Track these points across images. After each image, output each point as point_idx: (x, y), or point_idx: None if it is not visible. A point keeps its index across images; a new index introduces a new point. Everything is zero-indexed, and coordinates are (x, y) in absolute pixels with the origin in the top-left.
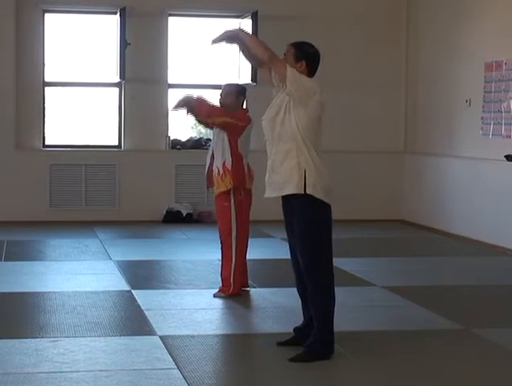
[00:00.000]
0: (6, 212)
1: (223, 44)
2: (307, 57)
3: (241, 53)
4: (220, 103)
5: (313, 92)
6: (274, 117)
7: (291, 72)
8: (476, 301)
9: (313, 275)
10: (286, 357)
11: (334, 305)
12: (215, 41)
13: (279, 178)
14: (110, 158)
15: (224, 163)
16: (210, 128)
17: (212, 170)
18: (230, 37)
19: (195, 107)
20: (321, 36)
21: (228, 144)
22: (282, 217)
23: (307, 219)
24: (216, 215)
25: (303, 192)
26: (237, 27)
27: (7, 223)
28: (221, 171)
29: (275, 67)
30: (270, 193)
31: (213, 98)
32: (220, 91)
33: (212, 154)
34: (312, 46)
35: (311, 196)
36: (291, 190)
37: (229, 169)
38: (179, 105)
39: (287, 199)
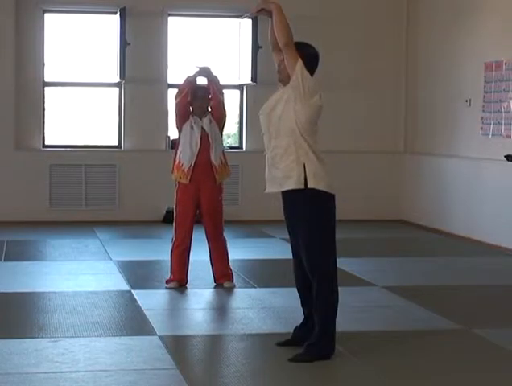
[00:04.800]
0: (6, 212)
1: (260, 15)
2: (305, 58)
3: (270, 25)
4: (197, 106)
5: (315, 92)
6: (270, 112)
7: (300, 66)
8: (476, 301)
9: (317, 273)
10: (286, 357)
11: (337, 305)
12: (252, 14)
13: (279, 173)
14: (110, 158)
15: (223, 154)
16: (204, 108)
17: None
18: (265, 9)
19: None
20: (321, 36)
21: (220, 136)
22: (282, 217)
23: (309, 215)
24: (209, 209)
25: (303, 187)
26: (274, 1)
27: (7, 223)
28: (224, 161)
29: (287, 55)
30: (270, 188)
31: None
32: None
33: (198, 153)
34: (312, 46)
35: (312, 190)
36: (290, 185)
37: (225, 159)
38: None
39: (288, 195)
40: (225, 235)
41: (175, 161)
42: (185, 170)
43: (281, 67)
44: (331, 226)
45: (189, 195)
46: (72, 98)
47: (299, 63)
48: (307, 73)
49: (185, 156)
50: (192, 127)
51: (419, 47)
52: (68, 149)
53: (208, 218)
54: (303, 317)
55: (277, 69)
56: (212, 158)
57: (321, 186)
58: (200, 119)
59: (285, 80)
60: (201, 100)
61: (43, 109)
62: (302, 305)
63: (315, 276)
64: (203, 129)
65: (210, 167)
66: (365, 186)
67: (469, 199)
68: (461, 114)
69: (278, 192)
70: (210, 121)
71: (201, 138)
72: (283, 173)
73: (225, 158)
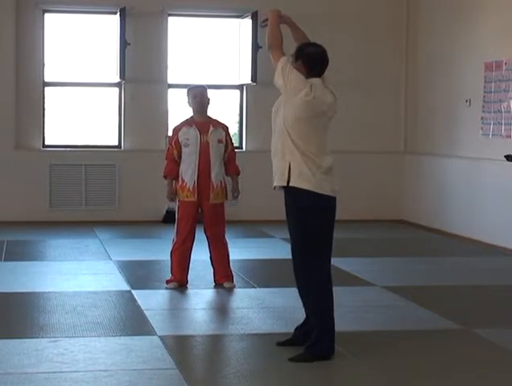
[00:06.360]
0: (6, 212)
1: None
2: (303, 57)
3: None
4: (198, 106)
5: (298, 89)
6: (275, 112)
7: (281, 66)
8: (476, 301)
9: (300, 274)
10: (286, 357)
11: (330, 304)
12: (262, 24)
13: (273, 170)
14: (110, 158)
15: (223, 178)
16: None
17: (196, 182)
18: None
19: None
20: (321, 36)
21: (223, 160)
22: (282, 217)
23: (293, 213)
24: (211, 218)
25: (285, 184)
26: (271, 8)
27: (7, 223)
28: (223, 184)
29: (271, 57)
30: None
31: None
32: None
33: (199, 166)
34: (313, 46)
35: (295, 189)
36: (277, 181)
37: (226, 186)
38: None
39: (283, 192)
40: (226, 237)
41: (177, 181)
42: (190, 189)
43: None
44: (315, 226)
45: (192, 202)
46: (72, 98)
47: (280, 63)
48: (290, 70)
49: (187, 174)
50: (186, 144)
51: (419, 47)
52: (68, 149)
53: (209, 218)
54: (303, 317)
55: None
56: (212, 177)
57: (306, 186)
58: (202, 132)
59: None
60: (200, 99)
61: (43, 109)
62: (304, 306)
63: (299, 277)
64: (206, 141)
65: (210, 180)
66: (365, 186)
67: (469, 199)
68: (461, 114)
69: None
70: (218, 141)
71: (200, 152)
72: (274, 169)
73: (225, 185)
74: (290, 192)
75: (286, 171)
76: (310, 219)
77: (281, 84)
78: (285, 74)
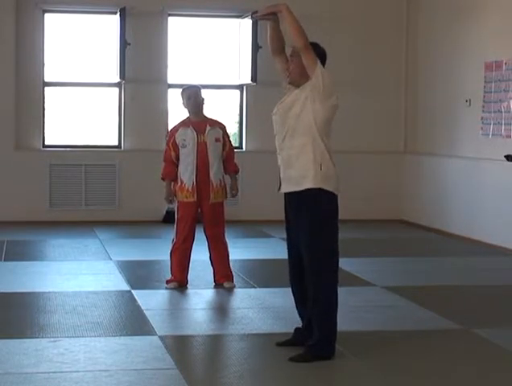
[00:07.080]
0: (6, 212)
1: (266, 19)
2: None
3: (269, 30)
4: (193, 106)
5: (332, 92)
6: (288, 112)
7: (320, 67)
8: (476, 301)
9: (319, 273)
10: (286, 357)
11: (337, 305)
12: (258, 16)
13: (296, 172)
14: (110, 158)
15: (222, 177)
16: None
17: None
18: (273, 13)
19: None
20: (321, 36)
21: (221, 159)
22: (282, 217)
23: (320, 214)
24: (210, 218)
25: (319, 186)
26: (282, 3)
27: (7, 223)
28: (223, 183)
29: (307, 56)
30: (286, 188)
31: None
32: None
33: (197, 166)
34: (318, 46)
35: (323, 190)
36: (308, 184)
37: (225, 184)
38: None
39: (297, 195)
40: (226, 237)
41: (176, 183)
42: (189, 189)
43: (290, 68)
44: (337, 227)
45: (192, 202)
46: (72, 98)
47: (318, 63)
48: (326, 73)
49: (185, 175)
50: (184, 145)
51: (419, 47)
52: (68, 149)
53: (209, 218)
54: (299, 317)
55: (287, 72)
56: (212, 176)
57: (331, 188)
58: (198, 133)
59: (296, 81)
60: (194, 99)
61: (43, 109)
62: (296, 302)
63: (317, 275)
64: (203, 141)
65: (209, 179)
66: (365, 186)
67: (469, 199)
68: (461, 114)
69: (293, 192)
70: (216, 140)
71: (198, 152)
72: (300, 172)
73: (225, 184)
74: (318, 193)
75: (319, 173)
76: (335, 221)
77: (318, 85)
78: (323, 76)
